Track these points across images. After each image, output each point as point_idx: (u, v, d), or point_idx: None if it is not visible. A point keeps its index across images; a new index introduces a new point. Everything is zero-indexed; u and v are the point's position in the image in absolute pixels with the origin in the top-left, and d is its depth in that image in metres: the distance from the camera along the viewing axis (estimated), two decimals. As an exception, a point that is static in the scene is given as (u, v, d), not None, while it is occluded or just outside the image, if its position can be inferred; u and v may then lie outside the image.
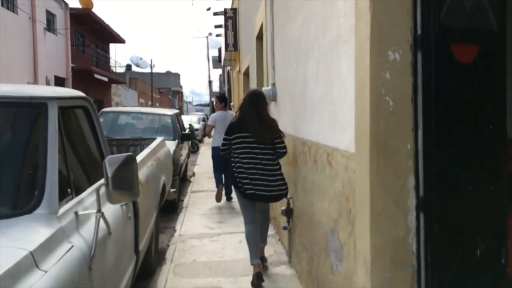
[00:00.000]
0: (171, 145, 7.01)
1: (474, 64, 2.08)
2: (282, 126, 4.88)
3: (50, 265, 1.61)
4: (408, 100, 2.03)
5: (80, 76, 22.91)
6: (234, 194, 7.01)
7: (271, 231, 5.42)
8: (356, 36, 2.22)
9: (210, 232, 5.42)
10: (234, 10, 12.84)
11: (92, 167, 2.58)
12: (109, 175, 2.01)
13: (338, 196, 2.66)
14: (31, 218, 1.79)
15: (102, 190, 2.06)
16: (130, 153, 2.16)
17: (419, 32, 2.01)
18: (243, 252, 4.62)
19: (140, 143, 5.61)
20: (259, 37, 7.02)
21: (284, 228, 4.31)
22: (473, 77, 2.10)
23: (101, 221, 2.09)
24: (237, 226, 5.63)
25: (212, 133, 7.09)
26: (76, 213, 2.03)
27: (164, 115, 8.27)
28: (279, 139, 3.95)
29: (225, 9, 13.06)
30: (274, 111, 5.47)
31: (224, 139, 4.00)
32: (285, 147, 3.97)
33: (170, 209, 6.49)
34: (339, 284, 2.63)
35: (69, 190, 2.11)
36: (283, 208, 4.27)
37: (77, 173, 2.33)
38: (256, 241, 3.94)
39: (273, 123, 4.02)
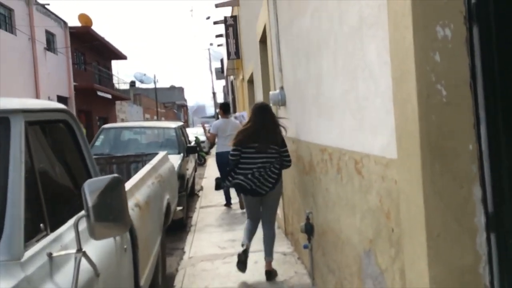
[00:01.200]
0: (176, 159, 6.59)
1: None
2: (294, 132, 4.45)
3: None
4: (466, 87, 1.58)
5: (83, 94, 22.68)
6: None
7: (288, 248, 4.97)
8: (390, 13, 1.78)
9: (222, 253, 4.96)
10: (234, 18, 12.49)
11: (76, 193, 2.15)
12: (90, 203, 1.58)
13: (374, 211, 2.20)
14: (-16, 269, 1.36)
15: (84, 223, 1.62)
16: (116, 175, 1.72)
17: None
18: (260, 274, 4.18)
19: (142, 159, 5.19)
20: (263, 41, 6.62)
21: (305, 246, 3.84)
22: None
23: (84, 261, 1.65)
24: (252, 245, 5.18)
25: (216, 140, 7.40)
26: (50, 255, 1.60)
27: (167, 128, 7.85)
28: (285, 153, 4.16)
29: (225, 17, 12.70)
30: (283, 116, 5.04)
31: (234, 150, 4.17)
32: (290, 160, 4.23)
33: (178, 228, 6.06)
34: (381, 318, 2.17)
35: (41, 225, 1.68)
36: (302, 224, 3.81)
37: (55, 202, 1.90)
38: (253, 231, 4.28)
39: (280, 136, 4.19)
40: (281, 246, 5.04)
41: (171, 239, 5.66)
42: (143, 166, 4.99)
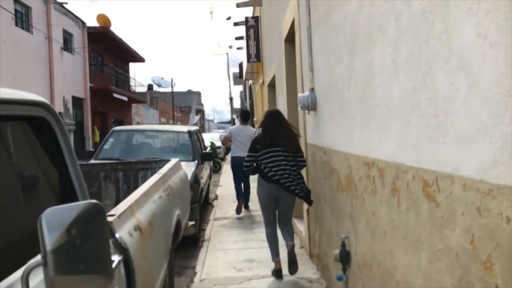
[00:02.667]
0: (189, 166, 6.04)
1: None
2: (325, 140, 3.85)
3: None
4: None
5: (99, 96, 22.42)
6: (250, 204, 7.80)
7: (314, 274, 4.35)
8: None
9: (238, 276, 4.36)
10: (255, 18, 11.95)
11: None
12: (49, 246, 1.01)
13: (458, 255, 1.58)
14: None
15: (39, 275, 1.05)
16: (93, 201, 1.13)
17: None
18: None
19: (152, 166, 4.63)
20: (289, 39, 6.04)
21: (339, 278, 3.22)
22: None
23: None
24: (270, 265, 4.57)
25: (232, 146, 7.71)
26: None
27: (181, 132, 7.30)
28: (300, 155, 4.29)
29: (246, 18, 12.16)
30: (312, 122, 4.44)
31: (249, 156, 4.31)
32: (305, 161, 4.37)
33: (189, 243, 5.47)
34: None
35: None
36: (337, 251, 3.19)
37: (5, 237, 1.32)
38: (276, 241, 4.30)
39: (296, 139, 4.33)
40: (306, 270, 4.42)
41: (180, 256, 5.09)
42: (152, 174, 4.44)
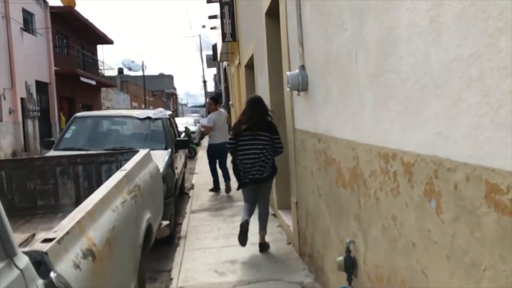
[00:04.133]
0: (162, 156, 5.41)
1: None
2: (320, 125, 3.30)
3: None
4: None
5: (65, 80, 21.25)
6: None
7: (307, 276, 3.85)
8: None
9: (220, 281, 3.81)
10: (230, -5, 11.22)
11: None
12: None
13: None
14: None
15: None
16: None
17: None
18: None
19: (117, 158, 3.98)
20: (271, 13, 5.43)
21: (344, 290, 2.71)
22: None
23: None
24: (258, 267, 4.06)
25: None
26: None
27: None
28: (278, 140, 4.56)
29: (220, -5, 11.41)
30: (302, 105, 3.89)
31: (230, 139, 4.65)
32: (282, 147, 4.61)
33: (163, 241, 4.88)
34: None
35: None
36: (340, 258, 2.68)
37: None
38: (251, 209, 4.63)
39: (272, 123, 4.64)
40: (297, 272, 3.92)
41: (153, 257, 4.51)
42: (118, 167, 3.82)
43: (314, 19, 3.33)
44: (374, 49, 2.21)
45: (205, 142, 19.01)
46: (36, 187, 3.86)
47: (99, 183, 3.61)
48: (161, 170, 4.70)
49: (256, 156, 4.45)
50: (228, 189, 7.66)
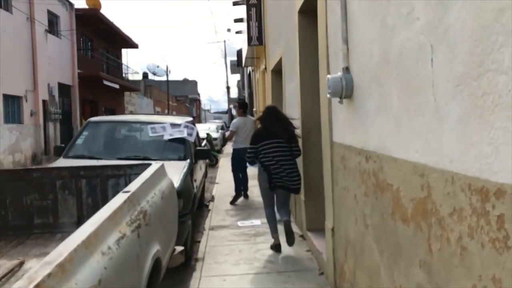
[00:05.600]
0: (180, 167, 4.87)
1: None
2: (370, 140, 2.68)
3: None
4: None
5: (88, 83, 21.10)
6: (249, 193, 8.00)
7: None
8: None
9: (242, 323, 3.21)
10: (258, -4, 10.70)
11: None
12: None
13: None
14: None
15: None
16: None
17: None
18: None
19: (125, 172, 3.43)
20: (305, 10, 4.85)
21: None
22: None
23: None
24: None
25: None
26: None
27: (172, 125, 6.07)
28: (295, 144, 4.78)
29: (247, -4, 10.90)
30: (344, 114, 3.27)
31: (250, 148, 4.84)
32: (299, 150, 4.86)
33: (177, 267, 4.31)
34: None
35: None
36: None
37: None
38: (275, 220, 4.84)
39: (291, 127, 4.82)
40: (333, 314, 3.28)
41: (167, 282, 3.94)
42: (127, 182, 3.28)
43: (365, 10, 2.72)
44: (464, 42, 1.59)
45: (226, 149, 18.51)
46: (33, 202, 3.36)
47: (105, 201, 3.07)
48: (177, 184, 4.16)
49: (280, 164, 4.65)
50: (245, 194, 7.98)
